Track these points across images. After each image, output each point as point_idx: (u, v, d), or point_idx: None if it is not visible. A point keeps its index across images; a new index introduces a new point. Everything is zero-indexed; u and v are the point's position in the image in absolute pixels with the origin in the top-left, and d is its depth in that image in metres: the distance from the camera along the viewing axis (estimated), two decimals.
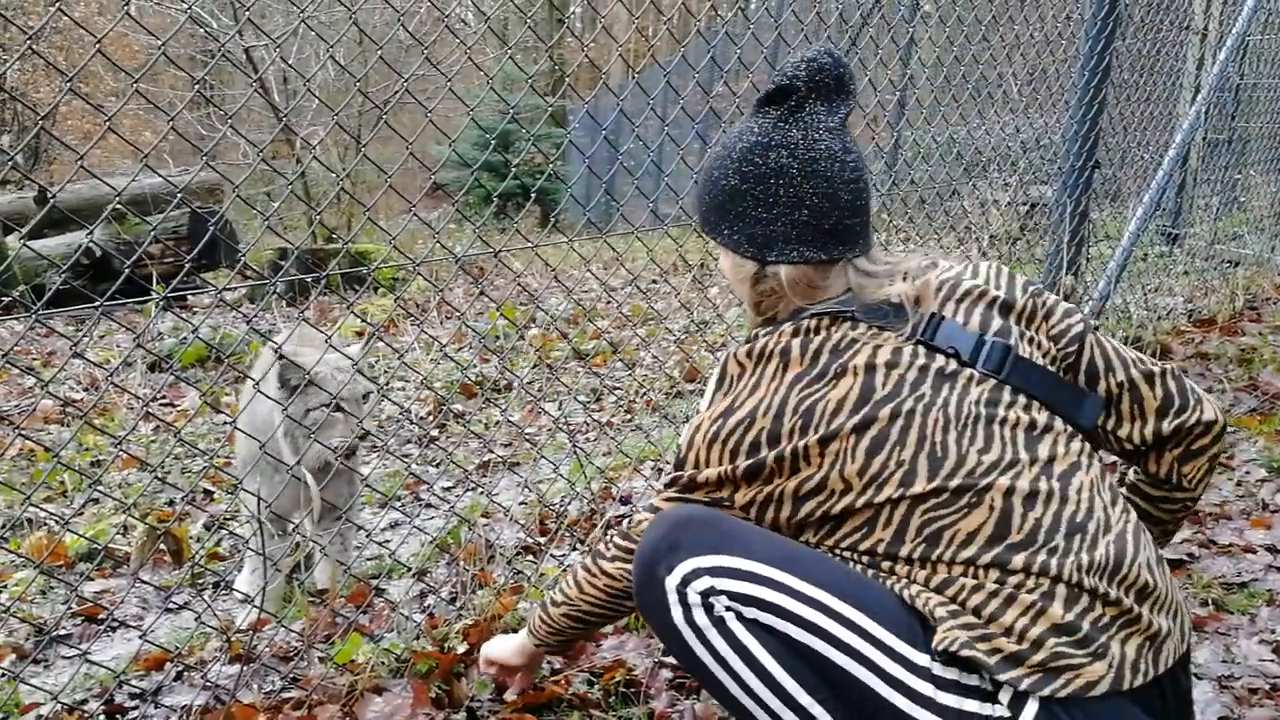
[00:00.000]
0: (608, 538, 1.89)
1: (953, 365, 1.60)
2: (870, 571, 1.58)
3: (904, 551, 1.53)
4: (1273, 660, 2.33)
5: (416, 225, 10.14)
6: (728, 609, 1.52)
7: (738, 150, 1.69)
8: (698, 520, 1.61)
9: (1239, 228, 7.11)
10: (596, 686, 2.29)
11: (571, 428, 4.29)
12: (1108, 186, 5.45)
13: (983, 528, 1.50)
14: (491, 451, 3.77)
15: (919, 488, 1.52)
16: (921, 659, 1.48)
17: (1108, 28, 4.29)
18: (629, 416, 4.51)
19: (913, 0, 6.93)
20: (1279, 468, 3.38)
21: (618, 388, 5.03)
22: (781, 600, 1.50)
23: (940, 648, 1.45)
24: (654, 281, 7.26)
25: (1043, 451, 1.56)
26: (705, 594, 1.52)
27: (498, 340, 5.73)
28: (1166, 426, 1.72)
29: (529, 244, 2.75)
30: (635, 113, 3.36)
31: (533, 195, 3.38)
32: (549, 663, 2.34)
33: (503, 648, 2.15)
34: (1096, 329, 1.86)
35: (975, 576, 1.49)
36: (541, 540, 3.11)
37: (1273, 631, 2.46)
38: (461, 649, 2.37)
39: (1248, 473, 3.39)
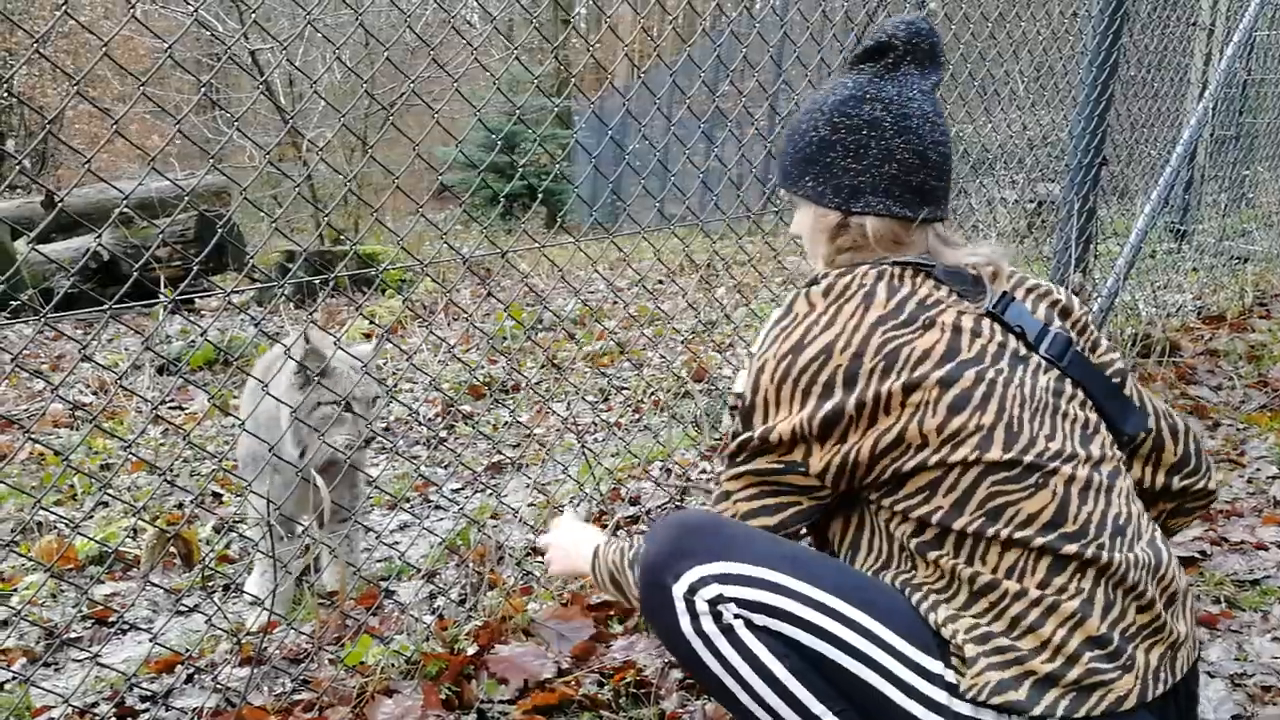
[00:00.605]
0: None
1: (1023, 349, 1.60)
2: (903, 561, 1.56)
3: (959, 523, 1.50)
4: None
5: (423, 227, 10.15)
6: (736, 616, 1.49)
7: (829, 103, 1.68)
8: (701, 526, 1.59)
9: (1248, 224, 7.09)
10: (607, 687, 2.29)
11: (580, 428, 4.28)
12: (1115, 183, 5.43)
13: (1043, 512, 1.49)
14: (500, 452, 3.76)
15: (994, 455, 1.49)
16: (935, 665, 1.47)
17: (1115, 23, 4.28)
18: (637, 417, 4.51)
19: (917, 1, 6.91)
20: None
21: (625, 388, 5.02)
22: (791, 606, 1.49)
23: (970, 696, 1.44)
24: (660, 282, 7.25)
25: (1095, 450, 1.57)
26: (713, 601, 1.50)
27: (505, 341, 5.73)
28: (1176, 483, 1.80)
29: (536, 244, 2.74)
30: (641, 113, 3.35)
31: (539, 196, 3.38)
32: (557, 664, 2.34)
33: (563, 541, 2.00)
34: (1134, 369, 1.86)
35: (1025, 563, 1.48)
36: None
37: None
38: (471, 650, 2.37)
39: (1258, 470, 3.38)
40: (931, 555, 1.52)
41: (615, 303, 6.73)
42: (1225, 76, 5.09)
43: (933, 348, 1.53)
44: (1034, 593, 1.46)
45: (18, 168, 1.91)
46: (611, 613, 2.59)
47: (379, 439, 2.81)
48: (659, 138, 3.07)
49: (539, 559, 2.99)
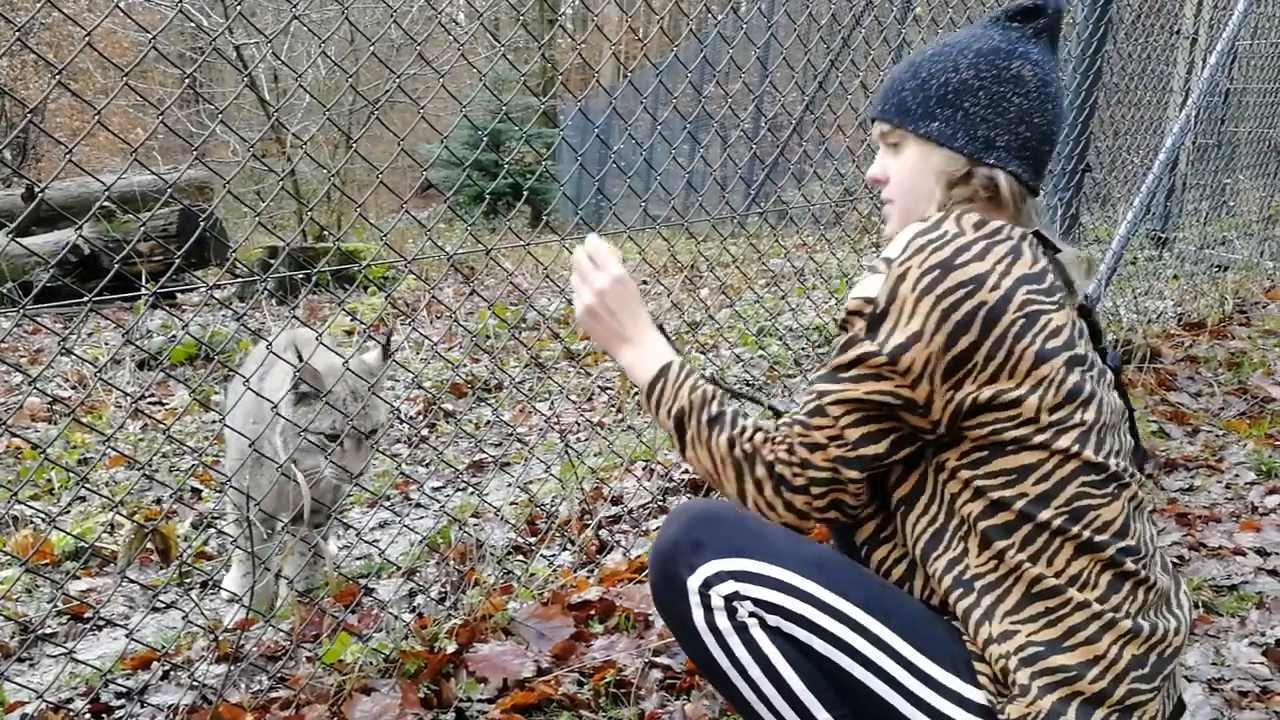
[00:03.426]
0: (771, 436, 1.57)
1: (1099, 358, 1.58)
2: (955, 540, 1.50)
3: (1044, 515, 1.45)
4: (1263, 663, 2.34)
5: (406, 225, 10.12)
6: (751, 615, 1.48)
7: (974, 49, 1.60)
8: (721, 517, 1.56)
9: (1228, 232, 7.14)
10: (587, 687, 2.28)
11: (563, 427, 4.28)
12: (1098, 190, 5.46)
13: (1114, 522, 1.48)
14: (482, 451, 3.75)
15: (1090, 454, 1.46)
16: (952, 680, 1.46)
17: (1099, 30, 4.30)
18: (620, 416, 4.50)
19: (904, 2, 6.93)
20: (1268, 471, 3.39)
21: (609, 387, 5.02)
22: (807, 611, 1.48)
23: None
24: (644, 282, 7.25)
25: (1137, 472, 1.57)
26: (729, 598, 1.49)
27: (488, 340, 5.72)
28: None
29: (521, 243, 2.74)
30: (627, 113, 3.36)
31: (525, 194, 3.37)
32: (536, 663, 2.33)
33: (617, 307, 1.75)
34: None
35: (1090, 574, 1.46)
36: (532, 540, 3.10)
37: (1262, 634, 2.46)
38: (451, 649, 2.36)
39: (1237, 475, 3.40)
40: (997, 544, 1.46)
41: None
42: (1208, 85, 5.13)
43: (1063, 326, 1.48)
44: (1095, 606, 1.45)
45: None
46: (592, 612, 2.58)
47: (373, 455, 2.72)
48: (644, 138, 3.07)
49: (520, 558, 2.98)
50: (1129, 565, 1.47)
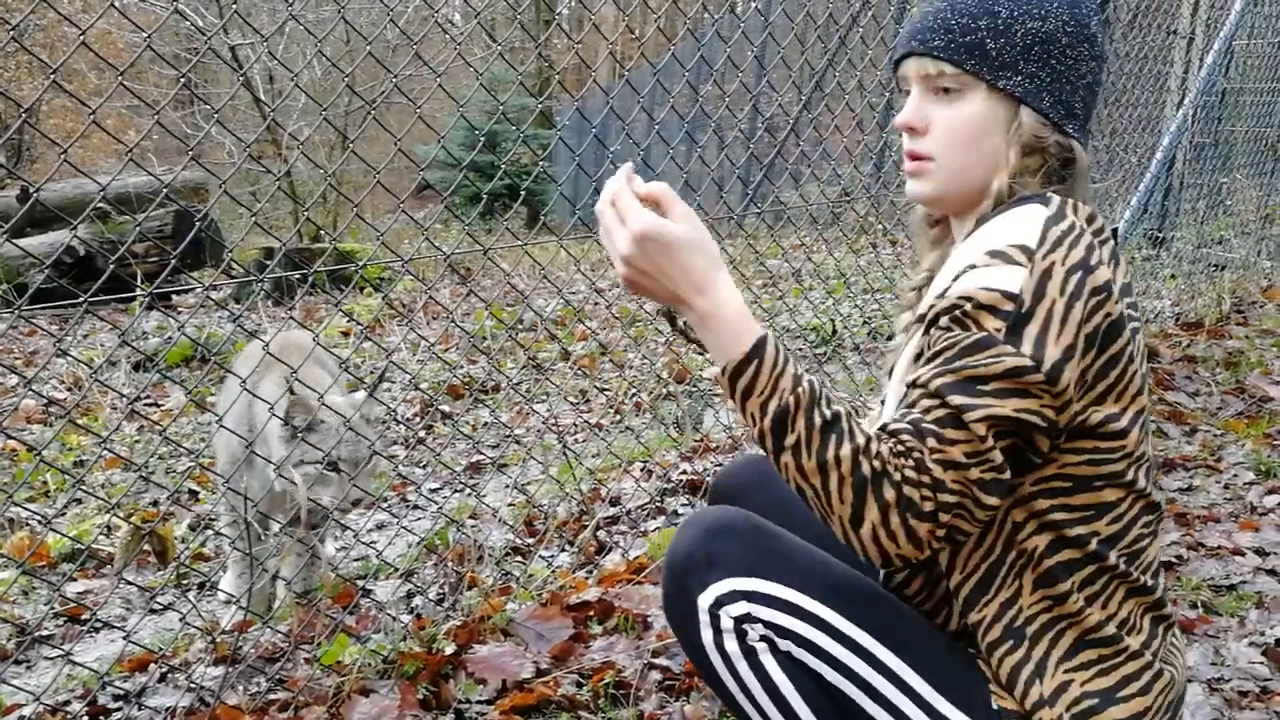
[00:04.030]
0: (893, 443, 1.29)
1: None
2: (1011, 576, 1.38)
3: (1111, 558, 1.35)
4: (1262, 663, 2.33)
5: (402, 226, 10.11)
6: (762, 639, 1.38)
7: (1083, 9, 1.43)
8: (736, 533, 1.44)
9: (1225, 231, 7.15)
10: (586, 688, 2.27)
11: (560, 429, 4.27)
12: (1095, 190, 5.46)
13: (1154, 562, 1.42)
14: (480, 452, 3.75)
15: (1153, 493, 1.37)
16: (958, 718, 1.39)
17: None
18: (618, 417, 4.50)
19: (900, 2, 6.94)
20: (1266, 470, 3.39)
21: (606, 389, 5.01)
22: (820, 639, 1.39)
23: None
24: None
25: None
26: (740, 620, 1.38)
27: (485, 341, 5.71)
28: None
29: (519, 243, 2.73)
30: (624, 112, 3.36)
31: (521, 195, 3.37)
32: (535, 664, 2.32)
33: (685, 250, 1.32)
34: None
35: (1137, 618, 1.40)
36: (530, 541, 3.09)
37: (1262, 634, 2.46)
38: (449, 650, 2.36)
39: (1235, 475, 3.40)
40: (1059, 585, 1.36)
41: (596, 303, 6.72)
42: (1205, 84, 5.13)
43: (1132, 343, 1.34)
44: (1146, 655, 1.38)
45: None
46: (591, 613, 2.57)
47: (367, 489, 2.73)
48: (641, 138, 3.07)
49: (518, 559, 2.97)
50: (1167, 609, 1.42)
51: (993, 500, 1.26)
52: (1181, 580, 2.73)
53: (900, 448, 1.27)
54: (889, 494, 1.24)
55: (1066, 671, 1.37)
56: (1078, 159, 1.42)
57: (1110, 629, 1.37)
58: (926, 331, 1.35)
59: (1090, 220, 1.36)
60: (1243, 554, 2.87)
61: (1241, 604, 2.62)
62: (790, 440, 1.28)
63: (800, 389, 1.29)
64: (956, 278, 1.32)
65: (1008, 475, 1.27)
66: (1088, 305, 1.26)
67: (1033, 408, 1.25)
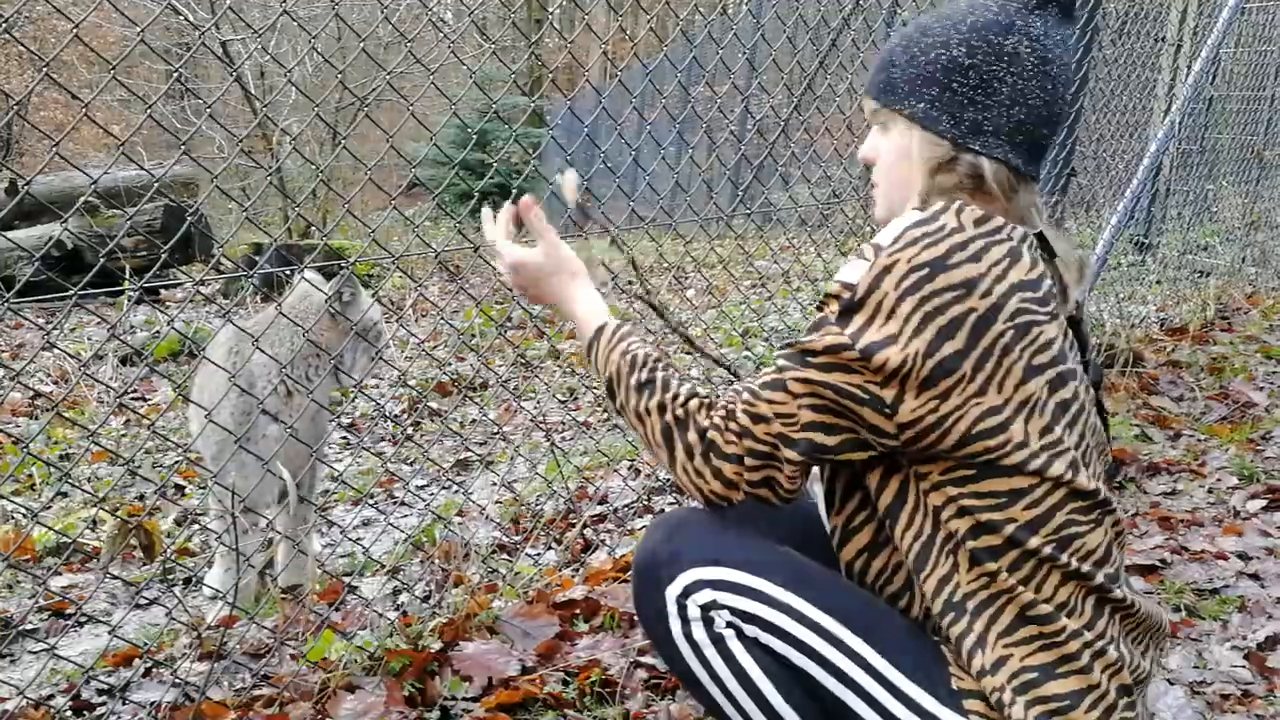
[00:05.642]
0: (717, 404, 1.50)
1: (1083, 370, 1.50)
2: (944, 555, 1.43)
3: (1033, 543, 1.39)
4: (1244, 666, 2.35)
5: (392, 222, 10.08)
6: (728, 625, 1.45)
7: (970, 24, 1.49)
8: (697, 527, 1.52)
9: (1210, 238, 7.19)
10: (571, 686, 2.28)
11: (548, 427, 4.27)
12: (1082, 195, 5.48)
13: (1097, 549, 1.44)
14: (467, 449, 3.75)
15: (1080, 481, 1.41)
16: (930, 703, 1.42)
17: (1085, 37, 4.32)
18: (606, 416, 4.50)
19: (891, 4, 6.95)
20: (1250, 475, 3.41)
21: (595, 387, 5.02)
22: (784, 623, 1.44)
23: None
24: (630, 282, 7.25)
25: (1116, 497, 1.55)
26: (706, 608, 1.45)
27: (474, 338, 5.71)
28: None
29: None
30: (615, 112, 3.36)
31: (512, 193, 3.35)
32: (521, 662, 2.33)
33: (546, 271, 1.75)
34: None
35: (1077, 600, 1.43)
36: (517, 539, 3.09)
37: (1244, 638, 2.48)
38: (435, 647, 2.36)
39: (1219, 480, 3.42)
40: (988, 565, 1.41)
41: None
42: (1192, 92, 5.16)
43: (1053, 340, 1.40)
44: (1086, 634, 1.41)
45: None
46: (577, 611, 2.58)
47: (344, 435, 2.79)
48: (632, 138, 3.07)
49: (505, 557, 2.98)
50: (1115, 593, 1.44)
51: (792, 454, 1.42)
52: (1165, 584, 2.75)
53: (720, 403, 1.49)
54: (691, 436, 1.48)
55: (1006, 646, 1.41)
56: (984, 173, 1.48)
57: (1046, 609, 1.41)
58: None
59: (980, 223, 1.41)
60: (1226, 558, 2.89)
61: (1224, 608, 2.64)
62: (620, 399, 1.58)
63: (624, 359, 1.58)
64: None
65: (815, 437, 1.41)
66: (933, 299, 1.35)
67: (855, 382, 1.38)
